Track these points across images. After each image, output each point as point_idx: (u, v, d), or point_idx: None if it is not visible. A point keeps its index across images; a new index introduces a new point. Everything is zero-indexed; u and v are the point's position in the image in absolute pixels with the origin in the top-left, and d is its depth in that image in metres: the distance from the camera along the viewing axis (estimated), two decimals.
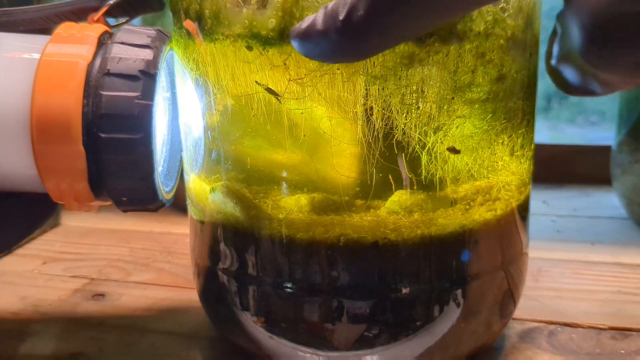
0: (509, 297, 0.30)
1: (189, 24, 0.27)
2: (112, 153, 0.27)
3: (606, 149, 0.56)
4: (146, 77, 0.28)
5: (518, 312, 0.34)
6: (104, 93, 0.27)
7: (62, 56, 0.28)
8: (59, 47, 0.28)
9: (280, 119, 0.25)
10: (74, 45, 0.28)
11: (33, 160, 0.28)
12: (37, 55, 0.28)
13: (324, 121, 0.25)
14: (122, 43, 0.28)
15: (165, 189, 0.31)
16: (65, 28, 0.29)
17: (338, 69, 0.24)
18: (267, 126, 0.26)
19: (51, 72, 0.27)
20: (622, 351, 0.32)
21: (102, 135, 0.27)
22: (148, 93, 0.27)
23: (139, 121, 0.27)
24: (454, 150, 0.25)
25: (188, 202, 0.31)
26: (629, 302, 0.37)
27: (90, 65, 0.28)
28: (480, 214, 0.27)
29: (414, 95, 0.24)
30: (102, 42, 0.29)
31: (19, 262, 0.45)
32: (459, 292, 0.27)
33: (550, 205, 0.57)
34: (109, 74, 0.27)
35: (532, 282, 0.40)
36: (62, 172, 0.28)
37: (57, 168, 0.28)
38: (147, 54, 0.28)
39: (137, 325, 0.36)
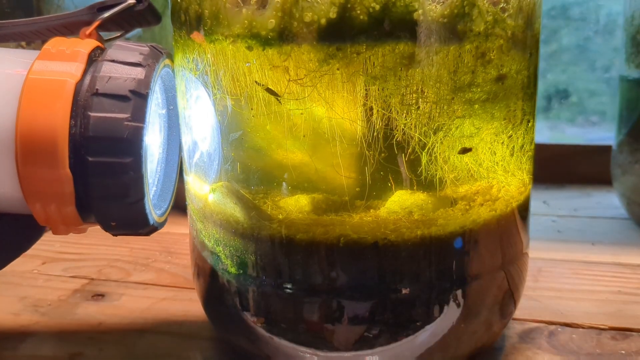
0: (509, 297, 0.30)
1: (197, 35, 0.26)
2: (100, 177, 0.26)
3: (606, 149, 0.56)
4: (137, 97, 0.26)
5: (518, 312, 0.34)
6: (92, 114, 0.26)
7: (49, 74, 0.26)
8: (46, 65, 0.27)
9: (280, 119, 0.25)
10: (62, 63, 0.27)
11: (18, 183, 0.26)
12: (23, 73, 0.27)
13: (324, 121, 0.25)
14: (113, 61, 0.27)
15: (157, 212, 0.30)
16: (54, 44, 0.28)
17: (338, 69, 0.24)
18: (267, 126, 0.26)
19: (37, 91, 0.26)
20: (623, 351, 0.32)
21: (90, 158, 0.26)
22: (139, 115, 0.26)
23: (128, 144, 0.26)
24: (464, 151, 0.25)
25: (188, 202, 0.31)
26: (629, 302, 0.37)
27: (79, 83, 0.26)
28: (480, 214, 0.27)
29: (414, 95, 0.24)
30: (93, 58, 0.28)
31: (19, 262, 0.45)
32: (459, 292, 0.27)
33: (550, 205, 0.57)
34: (97, 94, 0.26)
35: (532, 282, 0.40)
36: (49, 195, 0.27)
37: (43, 192, 0.27)
38: (139, 73, 0.27)
39: (137, 325, 0.36)
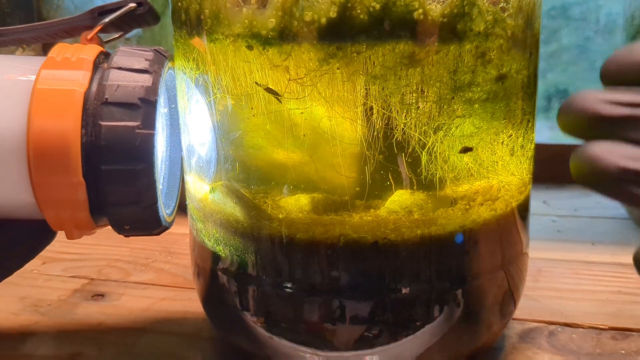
0: (509, 297, 0.30)
1: (197, 41, 0.26)
2: (113, 185, 0.27)
3: None
4: (146, 104, 0.27)
5: (518, 312, 0.34)
6: (103, 123, 0.26)
7: (57, 83, 0.27)
8: (53, 74, 0.27)
9: (280, 119, 0.25)
10: (68, 72, 0.27)
11: (31, 191, 0.27)
12: (30, 82, 0.27)
13: (324, 121, 0.25)
14: (120, 68, 0.27)
15: (166, 211, 0.30)
16: (58, 51, 0.28)
17: (338, 68, 0.24)
18: (267, 126, 0.26)
19: (46, 101, 0.26)
20: (623, 351, 0.32)
21: (103, 167, 0.26)
22: (149, 121, 0.27)
23: (140, 152, 0.26)
24: (465, 150, 0.25)
25: (188, 201, 0.31)
26: (629, 302, 0.37)
27: (87, 92, 0.27)
28: (480, 214, 0.27)
29: (414, 95, 0.24)
30: (98, 64, 0.28)
31: None
32: (459, 292, 0.27)
33: (550, 205, 0.57)
34: (107, 103, 0.26)
35: (532, 282, 0.40)
36: (62, 203, 0.27)
37: (56, 199, 0.27)
38: (146, 80, 0.27)
39: (137, 325, 0.36)
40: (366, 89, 0.24)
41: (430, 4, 0.23)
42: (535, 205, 0.51)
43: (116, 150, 0.26)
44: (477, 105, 0.25)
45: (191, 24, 0.26)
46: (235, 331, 0.30)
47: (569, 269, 0.42)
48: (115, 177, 0.26)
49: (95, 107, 0.26)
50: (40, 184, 0.26)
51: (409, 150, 0.25)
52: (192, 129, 0.29)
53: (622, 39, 0.51)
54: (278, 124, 0.25)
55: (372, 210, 0.26)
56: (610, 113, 0.19)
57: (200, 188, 0.29)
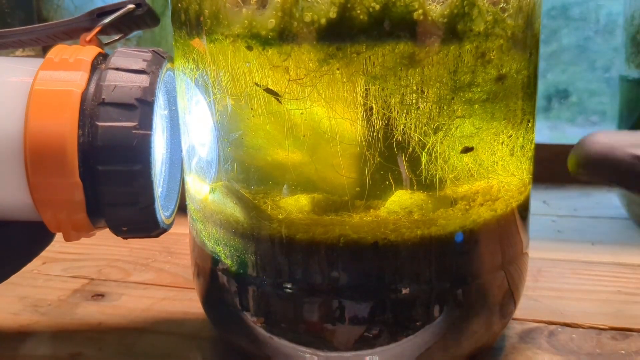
0: (509, 297, 0.30)
1: (197, 42, 0.26)
2: (110, 185, 0.27)
3: None
4: (143, 105, 0.27)
5: (518, 312, 0.34)
6: (100, 124, 0.26)
7: (54, 84, 0.27)
8: (51, 75, 0.27)
9: (280, 120, 0.25)
10: (66, 72, 0.27)
11: (28, 192, 0.27)
12: (28, 83, 0.27)
13: (324, 121, 0.25)
14: (117, 69, 0.27)
15: (165, 214, 0.30)
16: (56, 52, 0.28)
17: (338, 69, 0.24)
18: (267, 126, 0.26)
19: (44, 101, 0.26)
20: (623, 351, 0.32)
21: (100, 167, 0.26)
22: (146, 122, 0.27)
23: (137, 152, 0.26)
24: (466, 150, 0.26)
25: (188, 201, 0.31)
26: (629, 302, 0.37)
27: (84, 92, 0.27)
28: (480, 214, 0.27)
29: (413, 95, 0.24)
30: (96, 66, 0.28)
31: None
32: (459, 292, 0.27)
33: (550, 205, 0.57)
34: (104, 103, 0.26)
35: (532, 282, 0.40)
36: (60, 204, 0.27)
37: (53, 200, 0.27)
38: (144, 80, 0.27)
39: (137, 325, 0.36)
40: (366, 89, 0.24)
41: (430, 4, 0.23)
42: (535, 205, 0.51)
43: (113, 151, 0.26)
44: (477, 106, 0.25)
45: (191, 25, 0.26)
46: (235, 331, 0.30)
47: (569, 269, 0.42)
48: (112, 177, 0.26)
49: (92, 107, 0.26)
50: (37, 185, 0.26)
51: (409, 150, 0.25)
52: (192, 130, 0.29)
53: (622, 39, 0.51)
54: (278, 125, 0.25)
55: (372, 210, 0.26)
56: None
57: (200, 189, 0.29)
